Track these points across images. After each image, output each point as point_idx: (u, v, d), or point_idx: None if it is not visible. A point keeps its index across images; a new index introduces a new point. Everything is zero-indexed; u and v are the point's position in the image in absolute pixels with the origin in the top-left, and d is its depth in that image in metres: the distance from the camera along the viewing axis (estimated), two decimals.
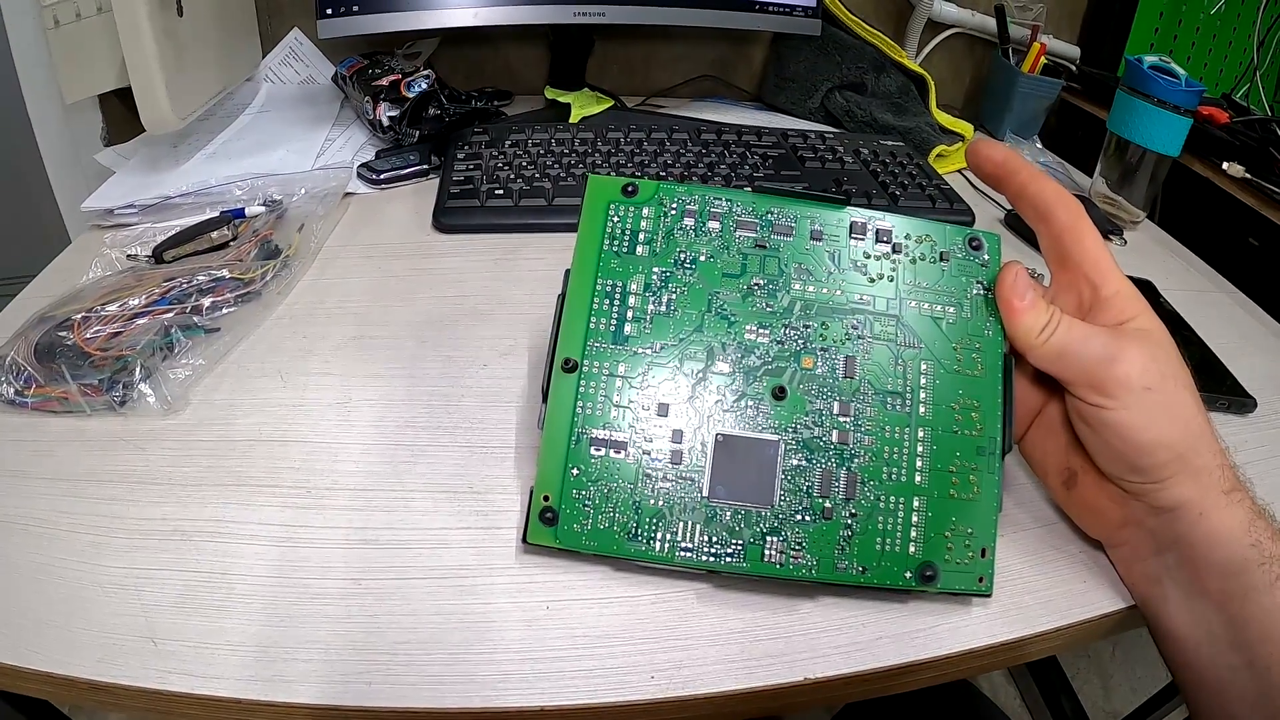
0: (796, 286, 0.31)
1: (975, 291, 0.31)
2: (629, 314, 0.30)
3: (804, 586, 0.31)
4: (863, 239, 0.32)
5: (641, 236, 0.31)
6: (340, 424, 0.39)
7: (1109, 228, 0.59)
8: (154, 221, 0.55)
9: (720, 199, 0.32)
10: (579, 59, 0.77)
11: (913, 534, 0.29)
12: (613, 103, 0.73)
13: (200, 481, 0.36)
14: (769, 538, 0.29)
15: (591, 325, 0.30)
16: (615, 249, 0.31)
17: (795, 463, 0.30)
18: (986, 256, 0.32)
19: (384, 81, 0.63)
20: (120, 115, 0.68)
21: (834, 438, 0.30)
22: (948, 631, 0.31)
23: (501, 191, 0.56)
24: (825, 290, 0.31)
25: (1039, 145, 0.87)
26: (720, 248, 0.31)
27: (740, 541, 0.29)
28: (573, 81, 0.77)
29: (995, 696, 1.05)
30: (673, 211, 0.31)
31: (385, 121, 0.62)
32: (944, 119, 0.78)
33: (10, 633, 0.30)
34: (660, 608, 0.31)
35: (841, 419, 0.30)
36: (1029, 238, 0.59)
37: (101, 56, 0.57)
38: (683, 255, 0.31)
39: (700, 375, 0.30)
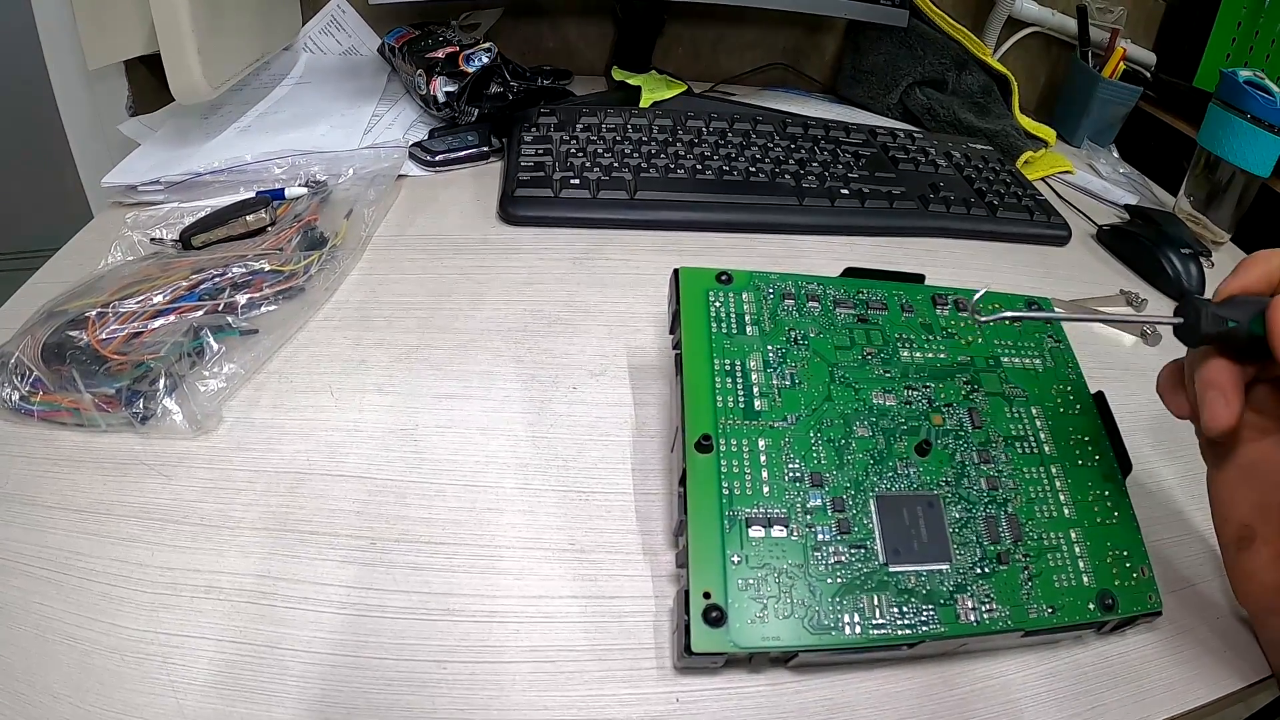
0: (904, 354, 0.32)
1: (1049, 344, 0.34)
2: (754, 389, 0.30)
3: (953, 657, 0.28)
4: (945, 308, 0.34)
5: (748, 318, 0.32)
6: (407, 457, 0.33)
7: (1199, 249, 0.55)
8: (181, 201, 0.49)
9: (813, 282, 0.34)
10: (647, 39, 0.70)
11: (1081, 565, 0.29)
12: (685, 87, 0.66)
13: (238, 524, 0.30)
14: (958, 596, 0.27)
15: (719, 404, 0.29)
16: (725, 330, 0.31)
17: (957, 514, 0.29)
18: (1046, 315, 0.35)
19: (440, 54, 0.57)
20: (147, 83, 0.62)
21: (984, 485, 0.30)
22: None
23: (577, 181, 0.49)
24: (930, 354, 0.33)
25: (1115, 154, 0.81)
26: (826, 324, 0.33)
27: (932, 605, 0.27)
28: (639, 63, 0.71)
29: None
30: (771, 295, 0.33)
31: (441, 97, 0.55)
32: (1026, 123, 0.75)
33: (11, 702, 0.24)
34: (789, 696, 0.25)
35: (984, 466, 0.30)
36: (1120, 253, 0.57)
37: (128, 19, 0.51)
38: (793, 333, 0.32)
39: (843, 441, 0.29)
